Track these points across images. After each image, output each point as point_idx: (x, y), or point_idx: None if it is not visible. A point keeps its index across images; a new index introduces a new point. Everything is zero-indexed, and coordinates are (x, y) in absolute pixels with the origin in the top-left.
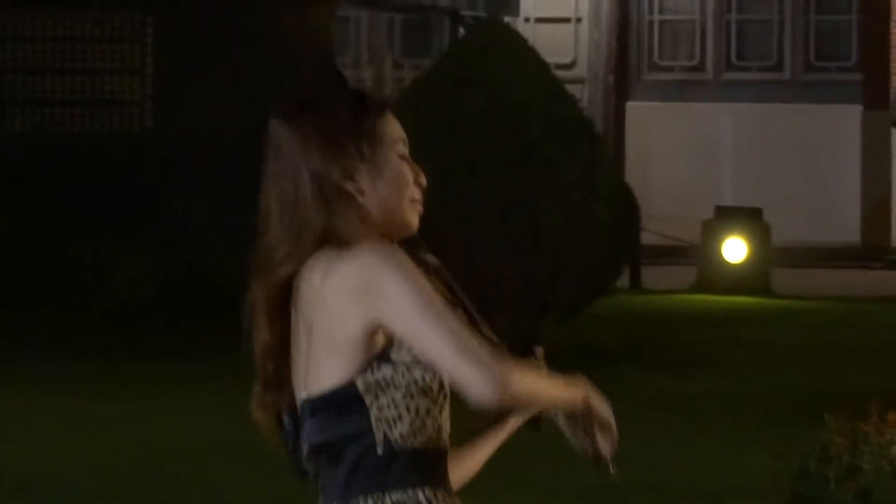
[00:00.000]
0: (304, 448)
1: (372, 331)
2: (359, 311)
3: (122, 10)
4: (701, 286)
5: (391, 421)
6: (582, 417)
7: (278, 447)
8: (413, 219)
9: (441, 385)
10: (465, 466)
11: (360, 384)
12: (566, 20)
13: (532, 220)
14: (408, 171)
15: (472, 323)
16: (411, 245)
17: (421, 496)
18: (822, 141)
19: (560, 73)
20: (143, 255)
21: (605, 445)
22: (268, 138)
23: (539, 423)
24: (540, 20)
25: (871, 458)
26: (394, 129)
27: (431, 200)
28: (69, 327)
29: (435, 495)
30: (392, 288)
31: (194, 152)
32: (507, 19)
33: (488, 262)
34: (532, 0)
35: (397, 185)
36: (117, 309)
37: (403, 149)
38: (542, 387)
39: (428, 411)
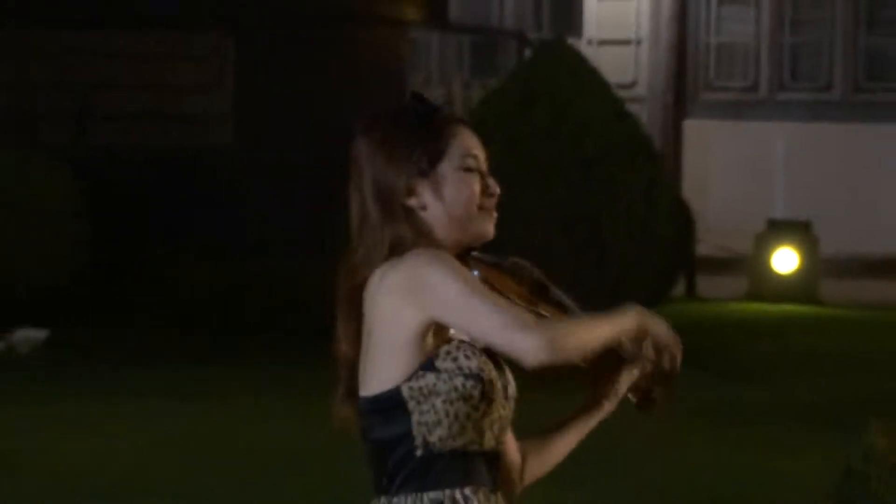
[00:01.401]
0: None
1: (424, 330)
2: (410, 313)
3: (205, 32)
4: (753, 295)
5: (430, 425)
6: (639, 341)
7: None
8: (486, 227)
9: (483, 394)
10: (546, 458)
11: (404, 390)
12: (627, 42)
13: (595, 234)
14: (472, 183)
15: (562, 308)
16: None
17: (458, 495)
18: (869, 158)
19: (621, 93)
20: (219, 265)
21: (666, 365)
22: (350, 152)
23: (650, 401)
24: (602, 42)
25: None
26: (460, 142)
27: (500, 215)
28: (146, 334)
29: (473, 494)
30: (438, 283)
31: (271, 167)
32: (570, 41)
33: (553, 273)
34: (595, 23)
35: (459, 197)
36: (193, 316)
37: (471, 161)
38: (592, 335)
39: (468, 416)
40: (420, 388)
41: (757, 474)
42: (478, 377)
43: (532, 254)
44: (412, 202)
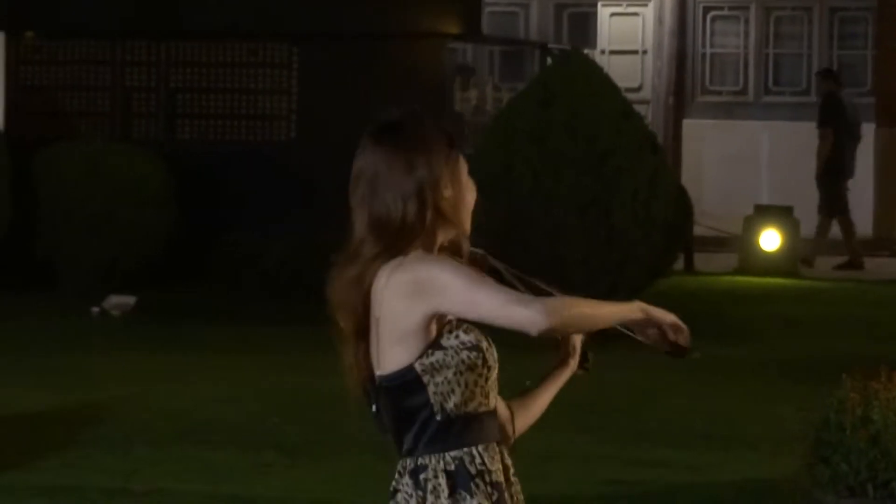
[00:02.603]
0: (383, 415)
1: (429, 320)
2: (417, 307)
3: (273, 41)
4: (742, 270)
5: (446, 395)
6: (646, 325)
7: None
8: (467, 228)
9: (485, 360)
10: (529, 412)
11: (417, 367)
12: (634, 52)
13: (605, 217)
14: (474, 189)
15: (531, 287)
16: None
17: (474, 451)
18: None
19: (629, 96)
20: (285, 242)
21: (679, 337)
22: (359, 151)
23: (586, 366)
24: (613, 52)
25: (881, 411)
26: (459, 154)
27: (524, 199)
28: (225, 299)
29: (485, 450)
30: (440, 277)
31: (328, 158)
32: (586, 51)
33: (568, 250)
34: (606, 36)
35: (468, 202)
36: (264, 285)
37: (466, 168)
38: (593, 310)
39: (475, 383)
40: (431, 364)
41: (744, 419)
42: (478, 347)
43: (550, 233)
44: (447, 192)
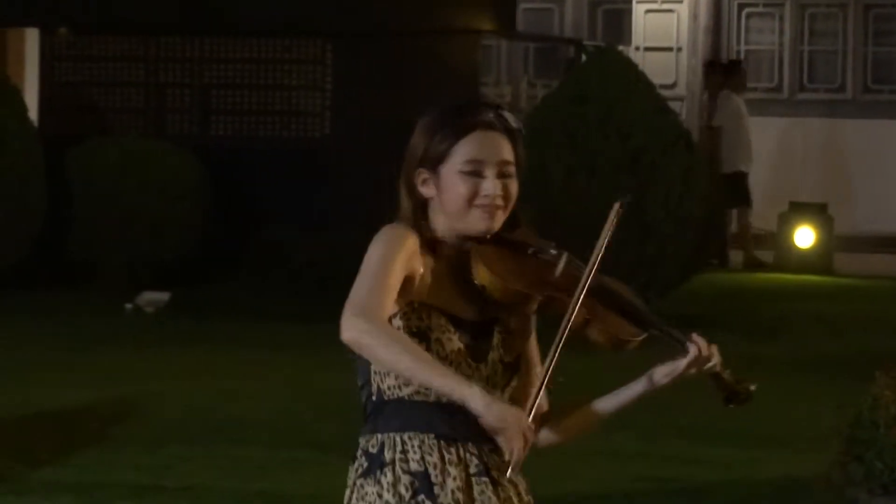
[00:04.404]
0: None
1: None
2: None
3: (308, 38)
4: (776, 267)
5: (382, 375)
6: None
7: None
8: (478, 224)
9: (428, 349)
10: (582, 416)
11: None
12: (669, 49)
13: (639, 214)
14: (462, 186)
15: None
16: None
17: (398, 439)
18: (878, 150)
19: (663, 92)
20: (319, 238)
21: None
22: None
23: (736, 398)
24: (648, 49)
25: None
26: (465, 148)
27: (558, 196)
28: (257, 296)
29: (411, 440)
30: (367, 254)
31: (363, 154)
32: (620, 48)
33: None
34: (641, 32)
35: (450, 196)
36: (298, 281)
37: (468, 166)
38: (404, 364)
39: None
40: None
41: (778, 417)
42: (423, 335)
43: (586, 230)
44: (424, 191)
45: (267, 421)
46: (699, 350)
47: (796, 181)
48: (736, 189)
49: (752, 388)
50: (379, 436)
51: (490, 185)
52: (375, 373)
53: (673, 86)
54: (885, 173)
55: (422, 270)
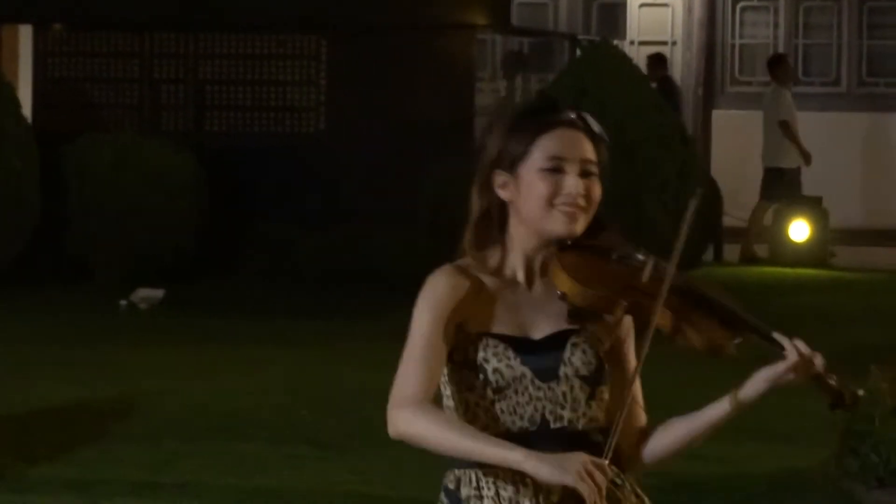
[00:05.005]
0: None
1: None
2: None
3: (302, 33)
4: (771, 260)
5: (452, 410)
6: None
7: None
8: (556, 226)
9: (486, 383)
10: (674, 436)
11: (442, 378)
12: (664, 43)
13: (635, 209)
14: (542, 184)
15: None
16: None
17: (473, 476)
18: (873, 143)
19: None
20: (315, 233)
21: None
22: None
23: (842, 403)
24: (642, 43)
25: None
26: (546, 145)
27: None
28: (255, 292)
29: (485, 476)
30: (413, 317)
31: (358, 149)
32: (615, 42)
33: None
34: (636, 27)
35: (529, 197)
36: (294, 277)
37: (550, 163)
38: (449, 444)
39: (477, 404)
40: (445, 378)
41: (774, 410)
42: (480, 368)
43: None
44: (502, 194)
45: (266, 417)
46: (799, 354)
47: None
48: (771, 184)
49: (861, 392)
50: (456, 471)
51: (572, 183)
52: (448, 408)
53: None
54: (880, 166)
55: (475, 308)
